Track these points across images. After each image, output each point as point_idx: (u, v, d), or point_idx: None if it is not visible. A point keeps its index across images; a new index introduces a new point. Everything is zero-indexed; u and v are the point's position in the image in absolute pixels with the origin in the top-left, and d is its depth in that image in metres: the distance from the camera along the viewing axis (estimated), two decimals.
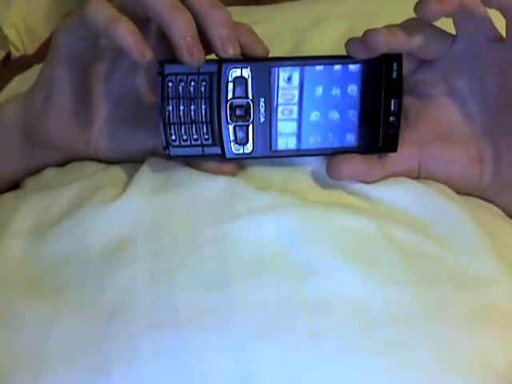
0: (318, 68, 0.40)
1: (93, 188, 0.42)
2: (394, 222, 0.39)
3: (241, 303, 0.35)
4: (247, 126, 0.40)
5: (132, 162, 0.44)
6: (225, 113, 0.40)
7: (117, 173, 0.44)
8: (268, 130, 0.41)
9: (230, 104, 0.40)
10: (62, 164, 0.47)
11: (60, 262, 0.39)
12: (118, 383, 0.33)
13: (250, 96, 0.40)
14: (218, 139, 0.41)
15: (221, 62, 0.39)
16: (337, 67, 0.40)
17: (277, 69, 0.40)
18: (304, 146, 0.41)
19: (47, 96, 0.43)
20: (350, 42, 0.39)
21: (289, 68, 0.40)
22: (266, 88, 0.40)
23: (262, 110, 0.40)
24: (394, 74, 0.40)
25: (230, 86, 0.40)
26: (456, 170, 0.43)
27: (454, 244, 0.39)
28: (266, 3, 0.57)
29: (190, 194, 0.40)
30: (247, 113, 0.40)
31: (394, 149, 0.41)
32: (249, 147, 0.41)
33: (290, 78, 0.40)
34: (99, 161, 0.46)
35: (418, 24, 0.40)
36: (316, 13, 0.53)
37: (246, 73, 0.40)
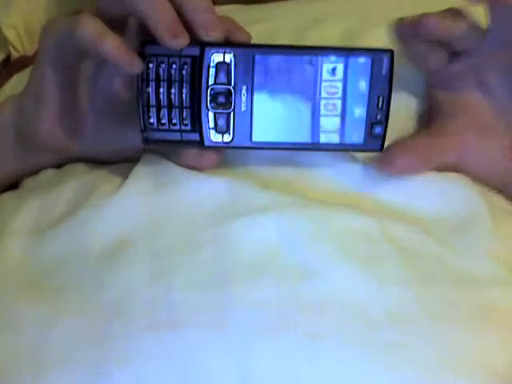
0: (306, 58, 0.38)
1: (90, 188, 0.42)
2: (395, 221, 0.39)
3: (240, 303, 0.35)
4: (228, 114, 0.39)
5: (128, 161, 0.44)
6: (205, 99, 0.38)
7: (114, 172, 0.44)
8: (249, 120, 0.39)
9: (211, 90, 0.38)
10: (60, 165, 0.47)
11: (60, 262, 0.39)
12: (117, 383, 0.34)
13: (232, 83, 0.38)
14: (198, 125, 0.39)
15: (203, 45, 0.38)
16: (327, 58, 0.38)
17: (262, 56, 0.38)
18: (285, 139, 0.39)
19: (38, 98, 0.43)
20: (399, 24, 0.39)
21: (276, 56, 0.38)
22: (249, 75, 0.38)
23: (244, 98, 0.38)
24: (385, 70, 0.39)
25: (212, 71, 0.38)
26: (490, 163, 0.43)
27: (455, 243, 0.39)
28: (266, 2, 0.57)
29: (189, 193, 0.40)
30: (228, 100, 0.39)
31: (380, 148, 0.40)
32: (228, 136, 0.39)
33: (276, 66, 0.38)
34: (95, 162, 0.46)
35: (460, 13, 0.40)
36: (315, 12, 0.53)
37: (229, 58, 0.38)
